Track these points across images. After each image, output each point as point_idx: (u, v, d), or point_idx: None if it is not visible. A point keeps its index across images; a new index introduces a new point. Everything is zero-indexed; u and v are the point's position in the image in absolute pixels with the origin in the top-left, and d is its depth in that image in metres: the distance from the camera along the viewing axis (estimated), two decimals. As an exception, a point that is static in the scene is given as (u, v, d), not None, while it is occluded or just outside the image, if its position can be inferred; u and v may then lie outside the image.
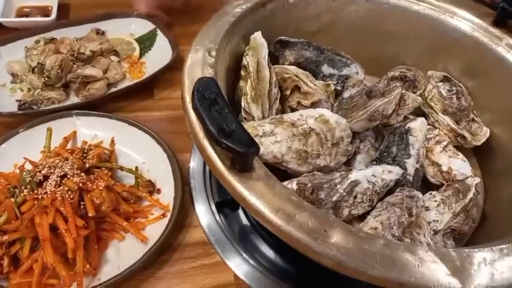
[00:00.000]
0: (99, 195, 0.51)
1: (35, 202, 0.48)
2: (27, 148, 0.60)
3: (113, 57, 0.75)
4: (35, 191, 0.48)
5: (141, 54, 0.78)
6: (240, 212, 0.62)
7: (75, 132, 0.63)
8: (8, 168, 0.58)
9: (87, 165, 0.54)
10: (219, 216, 0.60)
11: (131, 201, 0.56)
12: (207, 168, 0.66)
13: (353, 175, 0.46)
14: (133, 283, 0.51)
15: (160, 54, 0.76)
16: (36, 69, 0.70)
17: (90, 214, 0.49)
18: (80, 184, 0.50)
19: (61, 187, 0.49)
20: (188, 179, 0.63)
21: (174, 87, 0.76)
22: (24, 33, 0.75)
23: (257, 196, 0.35)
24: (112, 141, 0.63)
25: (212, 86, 0.40)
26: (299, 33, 0.65)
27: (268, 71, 0.52)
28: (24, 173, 0.50)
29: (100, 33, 0.77)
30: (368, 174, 0.46)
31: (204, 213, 0.60)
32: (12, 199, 0.48)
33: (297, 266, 0.57)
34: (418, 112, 0.62)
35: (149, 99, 0.74)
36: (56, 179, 0.50)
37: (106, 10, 0.83)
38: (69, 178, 0.50)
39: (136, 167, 0.60)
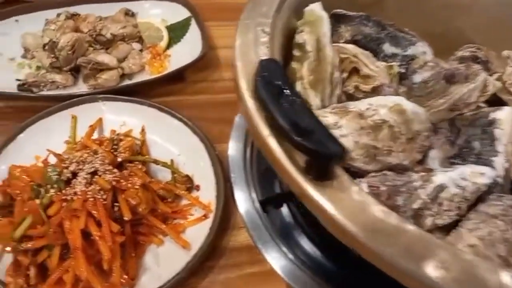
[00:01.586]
0: (134, 194, 0.44)
1: (63, 203, 0.41)
2: (48, 137, 0.54)
3: (135, 44, 0.66)
4: (63, 191, 0.42)
5: (169, 45, 0.69)
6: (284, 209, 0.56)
7: (101, 120, 0.57)
8: (28, 161, 0.51)
9: (118, 159, 0.47)
10: (264, 215, 0.54)
11: (169, 200, 0.50)
12: (248, 160, 0.60)
13: (438, 178, 0.38)
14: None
15: (189, 48, 0.67)
16: (47, 47, 0.63)
17: (126, 218, 0.42)
18: (114, 183, 0.43)
19: (92, 186, 0.43)
20: (228, 173, 0.56)
21: (208, 68, 0.68)
22: (47, 4, 0.67)
23: (347, 214, 0.28)
24: (143, 129, 0.56)
25: (278, 71, 0.32)
26: (352, 5, 0.56)
27: (331, 50, 0.44)
28: (49, 170, 0.43)
29: (129, 14, 0.69)
30: (455, 177, 0.38)
31: (247, 212, 0.53)
32: (37, 201, 0.42)
33: (347, 268, 0.51)
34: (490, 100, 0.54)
35: (179, 82, 0.66)
36: (86, 176, 0.43)
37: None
38: (100, 175, 0.44)
39: (172, 161, 0.54)
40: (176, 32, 0.69)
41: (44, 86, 0.59)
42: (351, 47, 0.50)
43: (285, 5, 0.45)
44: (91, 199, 0.41)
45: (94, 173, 0.44)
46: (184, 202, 0.51)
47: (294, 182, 0.31)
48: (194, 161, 0.54)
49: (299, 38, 0.45)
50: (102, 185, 0.42)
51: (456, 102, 0.43)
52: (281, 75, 0.32)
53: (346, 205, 0.29)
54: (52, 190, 0.42)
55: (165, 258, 0.47)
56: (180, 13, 0.71)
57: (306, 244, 0.52)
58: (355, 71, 0.50)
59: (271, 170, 0.34)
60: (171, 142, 0.56)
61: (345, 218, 0.28)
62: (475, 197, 0.40)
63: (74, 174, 0.44)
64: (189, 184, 0.52)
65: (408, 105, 0.41)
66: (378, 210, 0.30)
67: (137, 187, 0.44)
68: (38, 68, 0.62)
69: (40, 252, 0.42)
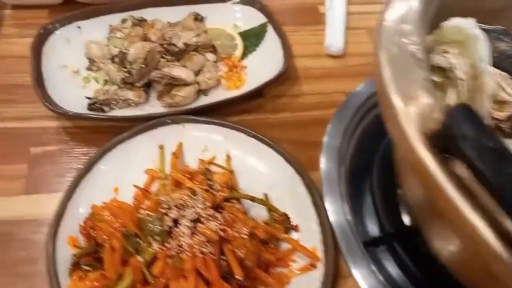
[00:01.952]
0: (242, 245, 0.38)
1: (168, 260, 0.35)
2: (126, 165, 0.48)
3: (209, 55, 0.59)
4: (167, 245, 0.36)
5: (243, 55, 0.61)
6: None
7: (181, 145, 0.50)
8: (106, 194, 0.46)
9: (217, 199, 0.41)
10: (372, 261, 0.47)
11: (270, 245, 0.43)
12: (344, 194, 0.53)
13: None
14: None
15: (266, 58, 0.60)
16: (116, 59, 0.56)
17: (238, 277, 0.36)
18: (221, 232, 0.37)
19: (197, 237, 0.36)
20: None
21: (287, 81, 0.61)
22: (110, 7, 0.60)
23: None
24: (229, 157, 0.50)
25: (482, 127, 0.25)
26: (475, 13, 0.48)
27: (491, 80, 0.37)
28: (151, 219, 0.37)
29: (199, 19, 0.62)
30: None
31: (353, 258, 0.47)
32: (139, 258, 0.35)
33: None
34: None
35: (257, 97, 0.59)
36: (188, 225, 0.37)
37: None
38: (203, 223, 0.37)
39: (266, 196, 0.47)
40: (251, 39, 0.62)
41: (116, 104, 0.53)
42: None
43: (426, 20, 0.38)
44: (200, 254, 0.35)
45: (196, 219, 0.38)
46: (284, 246, 0.45)
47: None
48: (289, 195, 0.47)
49: (441, 60, 0.38)
50: (209, 237, 0.36)
51: None
52: (489, 132, 0.24)
53: None
54: (155, 244, 0.36)
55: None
56: (255, 18, 0.63)
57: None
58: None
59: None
60: (260, 171, 0.49)
61: None
62: None
63: (175, 221, 0.37)
64: (287, 224, 0.45)
65: None
66: None
67: (245, 236, 0.38)
68: (106, 82, 0.56)
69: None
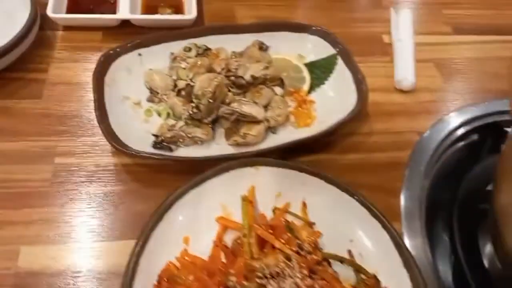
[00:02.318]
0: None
1: None
2: (197, 212, 0.44)
3: (277, 89, 0.55)
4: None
5: (310, 89, 0.57)
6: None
7: (253, 190, 0.46)
8: (177, 245, 0.42)
9: (311, 264, 0.37)
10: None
11: (363, 313, 0.39)
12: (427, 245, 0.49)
13: None
14: None
15: (336, 93, 0.56)
16: (183, 92, 0.52)
17: None
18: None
19: (298, 314, 0.32)
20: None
21: (359, 117, 0.56)
22: (172, 34, 0.57)
23: None
24: (305, 205, 0.46)
25: None
26: None
27: None
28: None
29: (263, 48, 0.58)
30: None
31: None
32: None
33: None
34: None
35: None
36: (288, 297, 0.33)
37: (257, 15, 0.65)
38: (303, 294, 0.33)
39: (350, 252, 0.43)
40: (318, 72, 0.58)
41: (182, 142, 0.49)
42: None
43: None
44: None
45: (295, 290, 0.34)
46: (374, 311, 0.40)
47: None
48: (375, 252, 0.43)
49: None
50: (313, 315, 0.32)
51: None
52: None
53: None
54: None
55: None
56: (322, 48, 0.59)
57: None
58: None
59: None
60: (339, 223, 0.45)
61: None
62: None
63: (273, 294, 0.33)
64: (377, 287, 0.41)
65: None
66: None
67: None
68: (168, 115, 0.52)
69: None
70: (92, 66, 0.57)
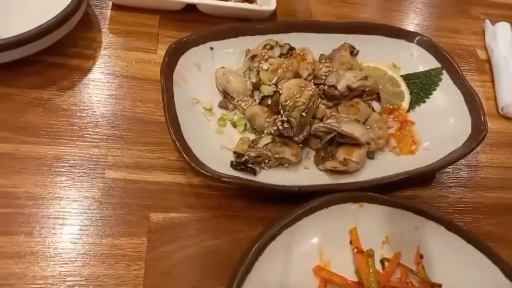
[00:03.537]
0: None
1: None
2: (289, 260, 0.34)
3: (375, 104, 0.46)
4: None
5: (409, 107, 0.48)
6: None
7: (356, 231, 0.37)
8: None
9: None
10: None
11: None
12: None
13: None
14: None
15: (440, 116, 0.47)
16: (269, 101, 0.42)
17: None
18: None
19: None
20: None
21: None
22: (248, 28, 0.47)
23: None
24: (421, 256, 0.37)
25: None
26: None
27: None
28: None
29: (354, 53, 0.48)
30: None
31: None
32: None
33: None
34: None
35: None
36: None
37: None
38: None
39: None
40: (418, 87, 0.49)
41: (266, 163, 0.39)
42: None
43: None
44: None
45: None
46: None
47: None
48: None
49: None
50: None
51: None
52: None
53: None
54: None
55: None
56: (424, 59, 0.50)
57: None
58: None
59: None
60: (464, 283, 0.36)
61: None
62: None
63: None
64: None
65: None
66: None
67: None
68: (245, 127, 0.42)
69: None
70: (149, 56, 0.48)
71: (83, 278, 0.33)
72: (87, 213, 0.36)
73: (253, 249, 0.33)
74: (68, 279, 0.32)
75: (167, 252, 0.35)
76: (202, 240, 0.37)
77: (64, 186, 0.37)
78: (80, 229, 0.35)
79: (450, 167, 0.46)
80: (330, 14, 0.59)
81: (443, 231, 0.37)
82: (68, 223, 0.35)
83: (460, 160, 0.46)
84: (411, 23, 0.61)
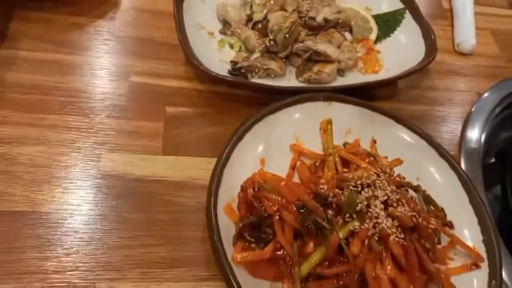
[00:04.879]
0: (428, 236, 0.35)
1: (365, 241, 0.33)
2: (270, 138, 0.45)
3: (347, 34, 0.56)
4: (365, 225, 0.33)
5: (377, 39, 0.58)
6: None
7: (331, 123, 0.47)
8: (254, 165, 0.43)
9: (397, 184, 0.38)
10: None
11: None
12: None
13: None
14: None
15: (402, 46, 0.57)
16: (259, 25, 0.53)
17: (431, 268, 0.33)
18: (414, 219, 0.34)
19: (390, 221, 0.34)
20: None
21: (422, 73, 0.57)
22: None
23: None
24: (374, 141, 0.47)
25: None
26: None
27: None
28: (350, 196, 0.34)
29: (333, -5, 0.59)
30: None
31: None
32: (341, 233, 0.32)
33: None
34: None
35: (390, 86, 0.56)
36: (381, 206, 0.34)
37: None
38: (393, 206, 0.35)
39: (418, 187, 0.44)
40: (385, 25, 0.59)
41: (256, 73, 0.50)
42: None
43: None
44: (396, 239, 0.33)
45: (385, 202, 0.35)
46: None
47: None
48: (441, 190, 0.44)
49: None
50: (404, 222, 0.34)
51: None
52: None
53: None
54: (356, 223, 0.33)
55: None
56: (390, 2, 0.60)
57: None
58: None
59: None
60: (408, 162, 0.47)
61: None
62: None
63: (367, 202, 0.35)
64: (444, 220, 0.42)
65: None
66: None
67: (433, 225, 0.35)
68: (240, 48, 0.53)
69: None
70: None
71: (117, 145, 0.44)
72: (118, 103, 0.47)
73: (243, 125, 0.44)
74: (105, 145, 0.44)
75: (178, 134, 0.47)
76: (204, 127, 0.48)
77: (98, 85, 0.48)
78: (115, 113, 0.46)
79: (409, 88, 0.56)
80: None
81: (392, 123, 0.48)
82: (104, 107, 0.46)
83: (420, 83, 0.57)
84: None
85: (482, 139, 0.54)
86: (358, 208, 0.33)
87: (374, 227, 0.33)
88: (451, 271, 0.40)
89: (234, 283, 0.34)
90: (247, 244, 0.37)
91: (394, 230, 0.33)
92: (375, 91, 0.54)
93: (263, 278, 0.36)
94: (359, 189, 0.35)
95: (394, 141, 0.47)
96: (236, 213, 0.39)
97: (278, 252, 0.35)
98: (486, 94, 0.58)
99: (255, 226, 0.37)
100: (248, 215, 0.37)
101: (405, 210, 0.35)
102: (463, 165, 0.50)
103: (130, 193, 0.41)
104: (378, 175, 0.37)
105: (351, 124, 0.48)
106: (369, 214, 0.34)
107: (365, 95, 0.52)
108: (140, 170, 0.43)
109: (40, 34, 0.51)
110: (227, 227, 0.38)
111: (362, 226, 0.33)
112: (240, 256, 0.35)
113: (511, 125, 0.59)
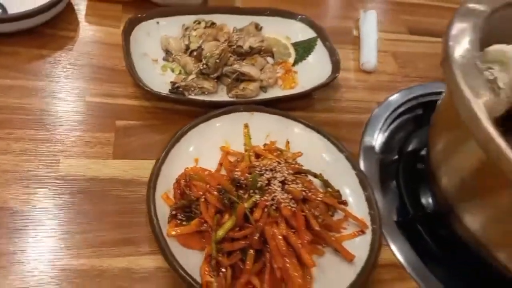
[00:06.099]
0: (316, 206, 0.46)
1: (265, 209, 0.43)
2: (202, 141, 0.56)
3: (269, 59, 0.69)
4: (265, 197, 0.44)
5: (295, 62, 0.71)
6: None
7: (248, 128, 0.59)
8: (189, 163, 0.53)
9: (295, 168, 0.50)
10: (406, 234, 0.57)
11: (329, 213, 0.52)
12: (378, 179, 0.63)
13: None
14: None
15: (315, 66, 0.70)
16: (194, 53, 0.65)
17: (316, 228, 0.44)
18: (304, 193, 0.46)
19: (285, 195, 0.45)
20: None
21: (331, 88, 0.71)
22: (185, 9, 0.70)
23: None
24: (288, 143, 0.59)
25: None
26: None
27: None
28: (254, 176, 0.45)
29: (258, 28, 0.72)
30: None
31: (388, 230, 0.56)
32: (246, 204, 0.43)
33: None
34: None
35: (306, 98, 0.69)
36: (279, 184, 0.45)
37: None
38: (288, 184, 0.46)
39: (321, 175, 0.56)
40: (301, 50, 0.72)
41: (192, 91, 0.61)
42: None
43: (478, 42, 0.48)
44: (289, 207, 0.43)
45: (282, 182, 0.46)
46: (336, 216, 0.53)
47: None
48: (339, 176, 0.56)
49: (486, 74, 0.49)
50: (296, 195, 0.45)
51: None
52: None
53: None
54: (257, 196, 0.44)
55: (328, 270, 0.48)
56: (306, 32, 0.74)
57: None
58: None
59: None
60: (315, 157, 0.58)
61: None
62: None
63: (268, 182, 0.46)
64: (339, 199, 0.54)
65: None
66: None
67: (320, 198, 0.47)
68: (180, 72, 0.64)
69: (233, 254, 0.43)
70: (115, 30, 0.69)
71: (73, 152, 0.53)
72: (75, 119, 0.57)
73: (180, 130, 0.54)
74: (63, 152, 0.53)
75: (127, 142, 0.56)
76: (150, 136, 0.58)
77: (58, 105, 0.58)
78: (72, 127, 0.56)
79: (322, 100, 0.69)
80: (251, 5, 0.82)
81: (303, 127, 0.60)
82: (63, 122, 0.56)
83: (332, 96, 0.70)
84: (309, 12, 0.85)
85: (379, 139, 0.67)
86: (259, 185, 0.44)
87: (272, 199, 0.44)
88: (344, 237, 0.51)
89: (167, 252, 0.43)
90: (179, 222, 0.46)
91: (287, 201, 0.44)
92: (293, 103, 0.67)
93: (193, 248, 0.46)
94: (262, 172, 0.46)
95: (304, 141, 0.59)
96: (172, 200, 0.49)
97: (204, 227, 0.45)
98: (384, 103, 0.71)
99: (186, 208, 0.47)
100: (180, 200, 0.47)
101: (298, 187, 0.46)
102: (362, 161, 0.63)
103: (84, 190, 0.51)
104: (279, 163, 0.48)
105: (270, 129, 0.60)
106: (269, 190, 0.45)
107: (285, 107, 0.64)
108: (93, 172, 0.52)
109: (8, 64, 0.61)
110: (164, 211, 0.48)
111: (262, 199, 0.44)
112: (173, 231, 0.45)
113: (407, 127, 0.72)
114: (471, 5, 0.51)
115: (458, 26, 0.48)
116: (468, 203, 0.50)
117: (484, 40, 0.52)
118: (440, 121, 0.57)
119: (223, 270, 0.42)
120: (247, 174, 0.46)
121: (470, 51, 0.44)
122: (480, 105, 0.37)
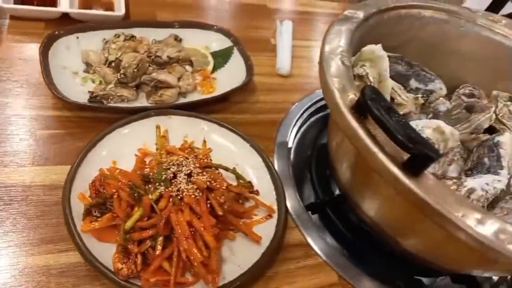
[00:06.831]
0: (221, 194, 0.51)
1: (170, 199, 0.48)
2: (122, 144, 0.60)
3: (187, 67, 0.75)
4: (169, 189, 0.48)
5: (214, 69, 0.77)
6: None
7: (167, 131, 0.63)
8: (107, 165, 0.57)
9: (202, 163, 0.55)
10: (312, 217, 0.63)
11: (239, 201, 0.57)
12: (290, 171, 0.69)
13: (469, 183, 0.51)
14: (248, 282, 0.52)
15: (233, 72, 0.77)
16: (113, 64, 0.69)
17: (220, 213, 0.49)
18: (208, 183, 0.51)
19: (190, 185, 0.50)
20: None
21: (246, 91, 0.77)
22: (105, 25, 0.74)
23: (440, 200, 0.38)
24: (205, 141, 0.64)
25: (380, 94, 0.42)
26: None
27: (390, 83, 0.56)
28: (159, 170, 0.50)
29: (178, 39, 0.77)
30: (482, 182, 0.51)
31: (297, 215, 0.62)
32: (151, 196, 0.47)
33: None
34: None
35: (224, 102, 0.74)
36: (184, 177, 0.50)
37: (173, 15, 0.85)
38: (195, 177, 0.51)
39: (234, 168, 0.62)
40: (220, 58, 0.78)
41: (112, 99, 0.65)
42: (390, 80, 0.62)
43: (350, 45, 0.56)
44: (193, 195, 0.48)
45: (189, 174, 0.51)
46: (248, 204, 0.59)
47: (396, 178, 0.40)
48: (251, 170, 0.62)
49: (359, 70, 0.57)
50: (200, 185, 0.50)
51: (476, 127, 0.56)
52: (385, 99, 0.42)
53: (439, 193, 0.39)
54: (161, 188, 0.48)
55: (239, 251, 0.54)
56: (223, 41, 0.80)
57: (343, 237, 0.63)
58: (390, 99, 0.63)
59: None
60: (229, 153, 0.64)
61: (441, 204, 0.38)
62: (491, 199, 0.52)
63: (174, 175, 0.50)
64: (251, 189, 0.60)
65: (446, 127, 0.53)
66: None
67: (224, 187, 0.52)
68: (100, 82, 0.68)
69: (144, 242, 0.47)
70: (37, 46, 0.71)
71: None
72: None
73: (97, 136, 0.58)
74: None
75: (48, 149, 0.59)
76: (73, 142, 0.60)
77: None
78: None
79: (239, 102, 0.75)
80: (171, 19, 0.87)
81: (217, 127, 0.65)
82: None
83: (248, 99, 0.77)
84: (230, 25, 0.92)
85: (292, 135, 0.74)
86: (163, 178, 0.49)
87: (178, 190, 0.49)
88: (254, 222, 0.57)
89: (82, 247, 0.47)
90: (95, 218, 0.50)
91: (192, 191, 0.49)
92: (211, 107, 0.72)
93: (109, 242, 0.49)
94: (169, 167, 0.51)
95: (220, 139, 0.65)
96: (88, 199, 0.52)
97: (117, 221, 0.49)
98: (297, 103, 0.79)
99: (101, 205, 0.51)
100: (95, 198, 0.51)
101: (203, 178, 0.51)
102: (276, 155, 0.69)
103: (3, 197, 0.53)
104: (187, 158, 0.53)
105: (188, 130, 0.65)
106: (174, 182, 0.49)
107: (204, 111, 0.70)
108: (14, 179, 0.55)
109: None
110: (80, 210, 0.51)
111: (167, 190, 0.48)
112: (87, 226, 0.49)
113: (319, 124, 0.80)
114: (349, 12, 0.60)
115: (335, 29, 0.56)
116: (357, 189, 0.57)
117: (361, 41, 0.60)
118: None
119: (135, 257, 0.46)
120: (155, 170, 0.51)
121: (340, 52, 0.52)
122: (343, 98, 0.44)
